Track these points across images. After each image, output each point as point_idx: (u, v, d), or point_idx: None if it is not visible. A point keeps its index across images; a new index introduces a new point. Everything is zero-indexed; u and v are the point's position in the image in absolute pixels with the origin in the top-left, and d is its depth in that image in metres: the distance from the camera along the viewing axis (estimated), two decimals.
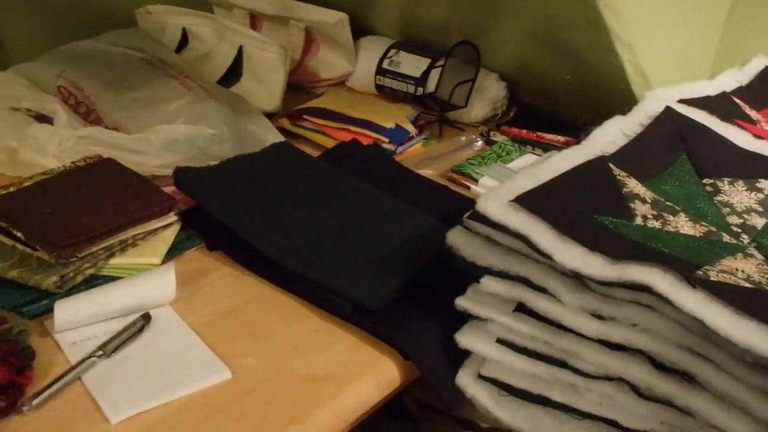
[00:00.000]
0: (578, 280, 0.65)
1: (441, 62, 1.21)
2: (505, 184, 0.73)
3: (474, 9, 1.20)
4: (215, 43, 1.31)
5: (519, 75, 1.25)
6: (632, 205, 0.73)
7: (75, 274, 0.75)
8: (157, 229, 0.84)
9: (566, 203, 0.71)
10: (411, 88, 1.25)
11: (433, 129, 1.21)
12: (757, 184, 0.79)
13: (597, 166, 0.78)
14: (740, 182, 0.80)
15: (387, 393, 0.72)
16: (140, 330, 0.71)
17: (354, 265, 0.80)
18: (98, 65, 1.13)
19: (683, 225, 0.72)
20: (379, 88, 1.29)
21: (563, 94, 1.21)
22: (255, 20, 1.39)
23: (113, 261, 0.80)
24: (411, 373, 0.73)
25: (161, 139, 0.96)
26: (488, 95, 1.23)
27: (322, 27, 1.31)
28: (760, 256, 0.69)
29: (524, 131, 1.16)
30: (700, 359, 0.59)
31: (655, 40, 1.06)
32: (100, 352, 0.68)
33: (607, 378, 0.64)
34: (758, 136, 0.87)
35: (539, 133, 1.14)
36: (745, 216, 0.75)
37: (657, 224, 0.72)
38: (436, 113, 1.22)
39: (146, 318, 0.72)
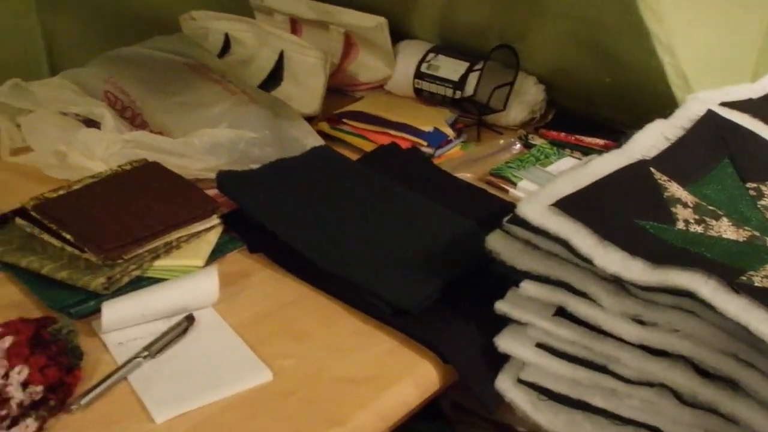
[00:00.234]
0: (619, 284, 0.65)
1: (479, 66, 1.21)
2: (545, 189, 0.73)
3: (513, 12, 1.19)
4: (257, 48, 1.32)
5: (557, 78, 1.24)
6: (674, 210, 0.73)
7: (121, 276, 0.77)
8: (200, 232, 0.86)
9: (606, 208, 0.71)
10: (449, 92, 1.25)
11: (471, 132, 1.21)
12: None
13: (638, 170, 0.78)
14: None
15: (426, 396, 0.72)
16: (184, 331, 0.73)
17: (393, 267, 0.81)
18: (143, 70, 1.15)
19: (726, 230, 0.72)
20: (418, 91, 1.30)
21: (602, 96, 1.20)
22: (295, 25, 1.41)
23: (158, 263, 0.81)
24: (449, 377, 0.73)
25: (204, 143, 0.97)
26: (526, 98, 1.22)
27: (361, 31, 1.32)
28: None
29: (563, 134, 1.15)
30: (745, 366, 0.59)
31: (696, 42, 1.05)
32: (146, 353, 0.69)
33: (649, 384, 0.63)
34: None
35: (578, 136, 1.13)
36: None
37: (699, 229, 0.71)
38: (474, 117, 1.22)
39: (190, 319, 0.74)
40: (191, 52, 1.20)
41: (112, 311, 0.72)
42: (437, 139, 1.14)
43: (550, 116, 1.27)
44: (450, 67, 1.26)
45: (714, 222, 0.73)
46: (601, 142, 1.11)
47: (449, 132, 1.16)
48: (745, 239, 0.71)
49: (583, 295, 0.66)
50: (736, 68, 1.17)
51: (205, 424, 0.64)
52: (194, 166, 0.97)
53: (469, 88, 1.22)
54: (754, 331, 0.55)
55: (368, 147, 1.12)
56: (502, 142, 1.18)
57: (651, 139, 0.83)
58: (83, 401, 0.64)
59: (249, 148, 0.99)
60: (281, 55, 1.28)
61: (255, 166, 0.98)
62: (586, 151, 1.10)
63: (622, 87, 1.14)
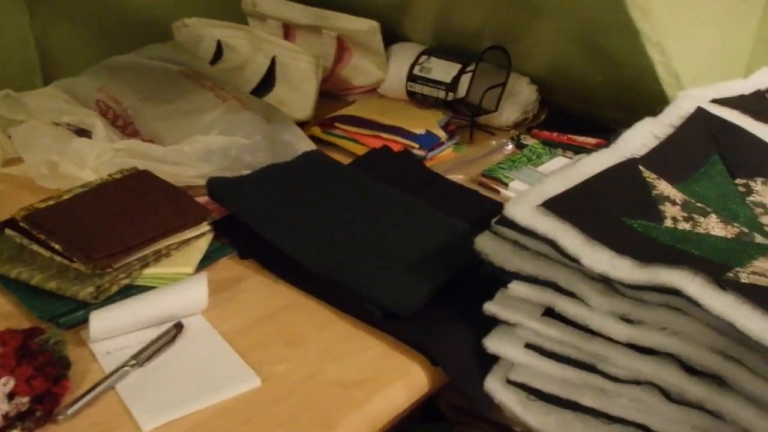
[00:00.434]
0: (607, 284, 0.65)
1: (471, 67, 1.21)
2: (533, 189, 0.73)
3: (505, 13, 1.19)
4: (249, 54, 1.33)
5: (551, 77, 1.24)
6: (662, 208, 0.73)
7: (110, 285, 0.77)
8: (190, 239, 0.86)
9: (595, 207, 0.71)
10: (442, 94, 1.25)
11: (464, 134, 1.21)
12: None
13: (626, 168, 0.78)
14: None
15: (416, 398, 0.72)
16: (173, 339, 0.73)
17: (384, 271, 0.81)
18: (136, 79, 1.16)
19: (714, 226, 0.71)
20: (411, 94, 1.30)
21: (595, 95, 1.20)
22: (288, 30, 1.41)
23: (148, 271, 0.81)
24: (440, 379, 0.73)
25: (196, 150, 0.98)
26: (519, 99, 1.22)
27: (353, 35, 1.32)
28: None
29: (555, 134, 1.15)
30: (732, 362, 0.59)
31: (688, 40, 1.05)
32: (133, 362, 0.69)
33: (637, 382, 0.63)
34: None
35: (570, 136, 1.13)
36: None
37: (687, 226, 0.71)
38: (466, 118, 1.22)
39: (179, 327, 0.74)
40: (183, 59, 1.20)
41: (100, 321, 0.72)
42: (429, 142, 1.14)
43: (543, 116, 1.27)
44: (442, 69, 1.26)
45: (702, 219, 0.72)
46: (593, 141, 1.11)
47: (441, 134, 1.16)
48: (733, 236, 0.70)
49: (571, 294, 0.66)
50: (730, 66, 1.17)
51: (195, 431, 0.64)
52: (186, 174, 0.97)
53: (462, 90, 1.22)
54: (740, 327, 0.55)
55: (360, 150, 1.12)
56: (494, 143, 1.18)
57: (640, 138, 0.83)
58: (70, 411, 0.64)
59: (241, 154, 0.99)
60: (273, 61, 1.28)
61: (247, 172, 0.98)
62: (578, 150, 1.10)
63: (614, 86, 1.14)
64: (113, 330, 0.73)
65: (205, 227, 0.87)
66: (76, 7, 1.35)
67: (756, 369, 0.57)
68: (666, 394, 0.62)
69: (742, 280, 0.61)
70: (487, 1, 1.19)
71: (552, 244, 0.65)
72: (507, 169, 1.07)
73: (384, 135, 1.14)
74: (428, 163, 1.11)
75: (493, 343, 0.71)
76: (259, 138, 1.02)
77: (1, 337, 0.66)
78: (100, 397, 0.66)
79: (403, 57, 1.32)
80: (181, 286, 0.78)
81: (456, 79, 1.24)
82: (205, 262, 0.86)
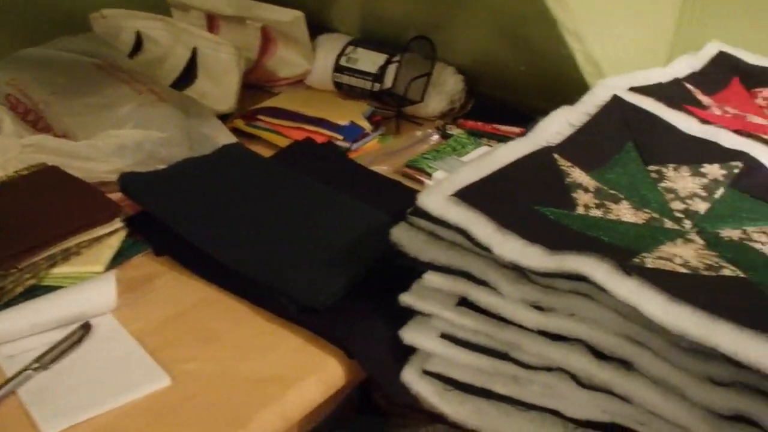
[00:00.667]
0: (519, 272, 0.64)
1: (398, 58, 1.20)
2: (447, 179, 0.73)
3: (431, 3, 1.19)
4: (170, 46, 1.29)
5: (476, 67, 1.24)
6: (574, 195, 0.73)
7: (14, 286, 0.74)
8: (101, 236, 0.83)
9: (507, 195, 0.71)
10: (368, 85, 1.24)
11: (390, 125, 1.20)
12: (701, 169, 0.79)
13: (541, 157, 0.78)
14: (685, 168, 0.79)
15: (332, 392, 0.71)
16: (79, 340, 0.70)
17: (300, 264, 0.79)
18: (49, 72, 1.12)
19: (625, 213, 0.72)
20: (338, 85, 1.28)
21: (520, 85, 1.20)
22: (212, 21, 1.38)
23: (55, 270, 0.79)
24: (358, 372, 0.72)
25: (109, 145, 0.95)
26: (445, 89, 1.22)
27: (278, 26, 1.30)
28: (700, 241, 0.68)
29: (480, 123, 1.15)
30: (638, 346, 0.59)
31: (607, 29, 1.06)
32: (37, 365, 0.67)
33: (548, 369, 0.63)
34: (705, 121, 0.86)
35: (495, 125, 1.13)
36: (689, 201, 0.75)
37: (599, 213, 0.71)
38: (393, 109, 1.21)
39: (86, 327, 0.71)
40: (99, 51, 1.17)
41: (2, 323, 0.69)
42: (353, 133, 1.13)
43: (470, 106, 1.26)
44: (369, 60, 1.25)
45: (614, 205, 0.73)
46: (517, 130, 1.11)
47: (366, 125, 1.15)
48: (643, 221, 0.71)
49: (484, 283, 0.66)
50: (652, 54, 1.18)
51: None
52: (99, 169, 0.94)
53: (388, 81, 1.21)
54: (644, 311, 0.55)
55: (283, 143, 1.11)
56: (419, 133, 1.17)
57: (556, 126, 0.83)
58: None
59: (156, 148, 0.97)
60: (194, 52, 1.26)
61: (163, 167, 0.95)
62: (503, 139, 1.10)
63: (537, 75, 1.15)
64: (16, 332, 0.70)
65: (117, 224, 0.85)
66: None
67: (660, 352, 0.58)
68: (576, 380, 0.62)
69: (648, 265, 0.61)
70: None
71: (464, 233, 0.65)
72: (431, 159, 1.06)
73: (308, 127, 1.13)
74: (352, 155, 1.10)
75: (408, 335, 0.70)
76: (176, 131, 1.00)
77: None
78: (0, 404, 0.64)
79: (329, 48, 1.31)
80: (87, 285, 0.75)
81: (382, 70, 1.23)
82: (119, 259, 0.83)
